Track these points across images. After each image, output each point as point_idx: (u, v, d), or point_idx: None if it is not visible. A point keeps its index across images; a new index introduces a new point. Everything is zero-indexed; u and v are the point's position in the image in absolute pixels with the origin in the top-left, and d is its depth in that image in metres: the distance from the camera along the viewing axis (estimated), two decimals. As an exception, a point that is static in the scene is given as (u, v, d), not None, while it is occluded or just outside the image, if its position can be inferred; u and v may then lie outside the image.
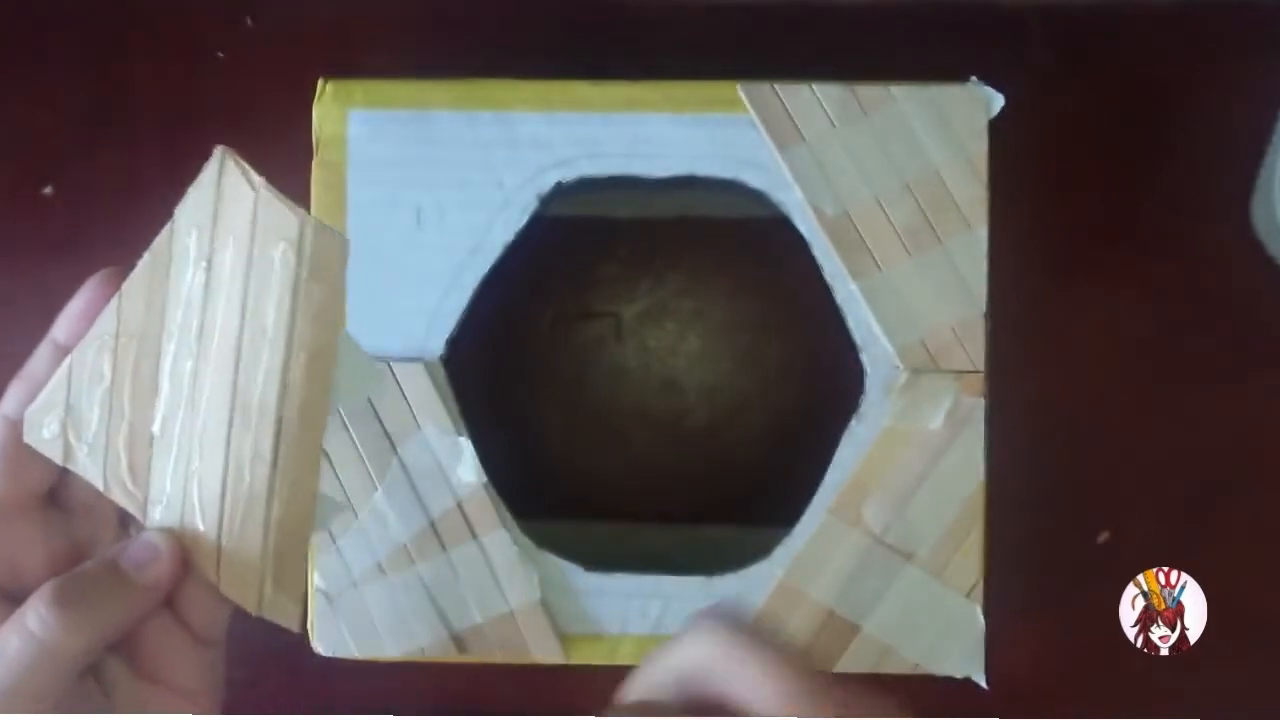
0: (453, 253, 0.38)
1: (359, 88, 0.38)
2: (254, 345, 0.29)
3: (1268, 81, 0.44)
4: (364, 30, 0.46)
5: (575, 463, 0.46)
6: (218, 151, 0.30)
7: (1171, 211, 0.45)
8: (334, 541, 0.38)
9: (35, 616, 0.27)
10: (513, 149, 0.38)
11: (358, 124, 0.38)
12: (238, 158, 0.29)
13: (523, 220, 0.38)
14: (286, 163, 0.39)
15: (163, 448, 0.30)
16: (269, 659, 0.42)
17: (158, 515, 0.30)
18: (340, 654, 0.38)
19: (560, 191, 0.38)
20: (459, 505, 0.38)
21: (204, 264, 0.30)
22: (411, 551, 0.38)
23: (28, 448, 0.31)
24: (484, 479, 0.38)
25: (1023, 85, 0.38)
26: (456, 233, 0.38)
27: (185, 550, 0.30)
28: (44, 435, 0.30)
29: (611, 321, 0.45)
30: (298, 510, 0.30)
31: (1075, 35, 0.46)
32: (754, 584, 0.38)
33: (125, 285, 0.30)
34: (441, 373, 0.38)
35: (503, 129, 0.38)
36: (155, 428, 0.30)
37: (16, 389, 0.31)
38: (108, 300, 0.31)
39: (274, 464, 0.29)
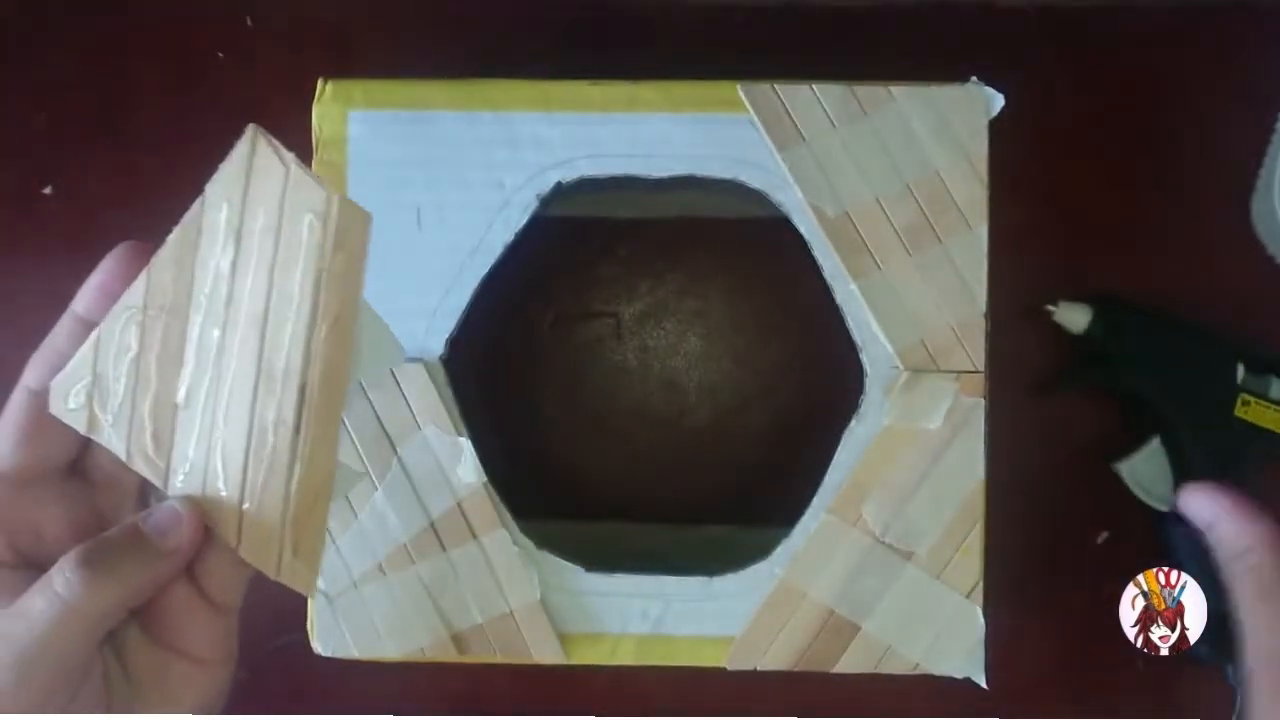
0: (453, 253, 0.38)
1: (359, 88, 0.38)
2: (280, 313, 0.30)
3: (1268, 81, 0.44)
4: (364, 30, 0.46)
5: (575, 463, 0.46)
6: (250, 130, 0.30)
7: (1171, 211, 0.45)
8: (334, 541, 0.38)
9: (61, 578, 0.28)
10: (513, 149, 0.38)
11: (358, 124, 0.38)
12: (270, 136, 0.30)
13: (523, 220, 0.38)
14: (286, 163, 0.39)
15: (187, 416, 0.30)
16: (269, 659, 0.42)
17: (179, 483, 0.30)
18: (340, 654, 0.38)
19: (560, 191, 0.38)
20: (459, 505, 0.38)
21: (234, 236, 0.30)
22: (411, 551, 0.38)
23: (51, 418, 0.31)
24: (484, 479, 0.38)
25: (1023, 85, 0.38)
26: (456, 233, 0.38)
27: (206, 516, 0.30)
28: (69, 406, 0.31)
29: (611, 321, 0.45)
30: (318, 476, 0.30)
31: (1075, 35, 0.46)
32: (754, 584, 0.38)
33: (155, 259, 0.31)
34: (441, 373, 0.38)
35: (503, 129, 0.38)
36: (180, 397, 0.31)
37: (38, 361, 0.32)
38: (127, 274, 0.31)
39: (297, 429, 0.29)
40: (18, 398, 0.32)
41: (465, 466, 0.38)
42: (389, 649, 0.38)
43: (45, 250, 0.46)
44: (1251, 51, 0.45)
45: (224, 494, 0.30)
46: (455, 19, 0.46)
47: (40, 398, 0.31)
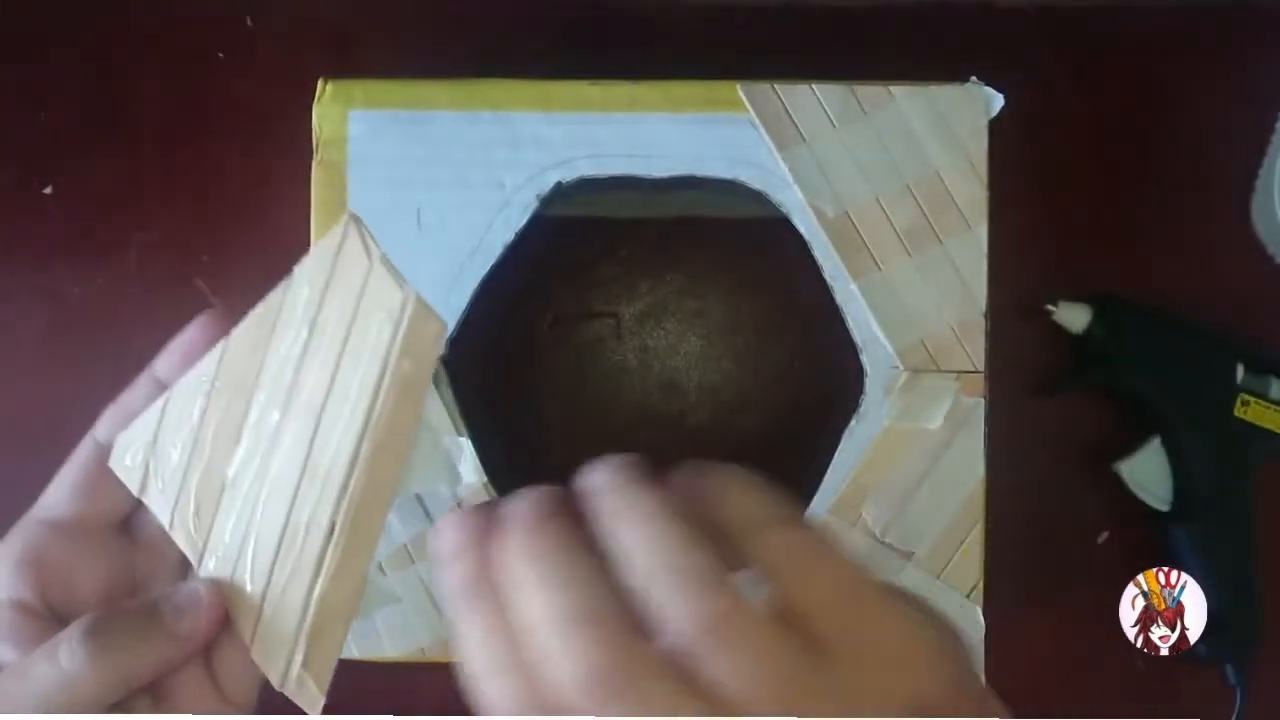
0: (453, 253, 0.38)
1: (359, 88, 0.38)
2: (335, 410, 0.28)
3: (1268, 81, 0.44)
4: (364, 30, 0.46)
5: (575, 463, 0.45)
6: (347, 217, 0.29)
7: (1171, 211, 0.45)
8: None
9: (66, 648, 0.27)
10: (513, 149, 0.38)
11: (358, 124, 0.38)
12: (364, 227, 0.29)
13: (523, 220, 0.38)
14: (286, 163, 0.39)
15: (231, 498, 0.30)
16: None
17: (212, 565, 0.30)
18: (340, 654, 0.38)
19: (560, 191, 0.38)
20: (459, 505, 0.38)
21: (309, 323, 0.29)
22: (411, 551, 0.38)
23: (111, 473, 0.31)
24: (484, 479, 0.38)
25: (1023, 85, 0.38)
26: (456, 233, 0.38)
27: (229, 605, 0.29)
28: (126, 463, 0.31)
29: (611, 321, 0.45)
30: (343, 589, 0.28)
31: (1075, 35, 0.46)
32: (754, 584, 0.38)
33: (234, 333, 0.30)
34: (441, 373, 0.38)
35: (503, 129, 0.38)
36: (229, 476, 0.30)
37: (111, 415, 0.32)
38: (210, 341, 0.31)
39: (329, 535, 0.28)
40: (85, 448, 0.32)
41: (465, 466, 0.38)
42: (389, 649, 0.38)
43: (45, 250, 0.46)
44: (1251, 51, 0.45)
45: (249, 588, 0.29)
46: (455, 19, 0.46)
47: (105, 451, 0.31)
